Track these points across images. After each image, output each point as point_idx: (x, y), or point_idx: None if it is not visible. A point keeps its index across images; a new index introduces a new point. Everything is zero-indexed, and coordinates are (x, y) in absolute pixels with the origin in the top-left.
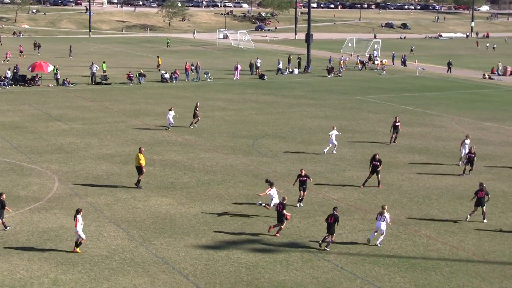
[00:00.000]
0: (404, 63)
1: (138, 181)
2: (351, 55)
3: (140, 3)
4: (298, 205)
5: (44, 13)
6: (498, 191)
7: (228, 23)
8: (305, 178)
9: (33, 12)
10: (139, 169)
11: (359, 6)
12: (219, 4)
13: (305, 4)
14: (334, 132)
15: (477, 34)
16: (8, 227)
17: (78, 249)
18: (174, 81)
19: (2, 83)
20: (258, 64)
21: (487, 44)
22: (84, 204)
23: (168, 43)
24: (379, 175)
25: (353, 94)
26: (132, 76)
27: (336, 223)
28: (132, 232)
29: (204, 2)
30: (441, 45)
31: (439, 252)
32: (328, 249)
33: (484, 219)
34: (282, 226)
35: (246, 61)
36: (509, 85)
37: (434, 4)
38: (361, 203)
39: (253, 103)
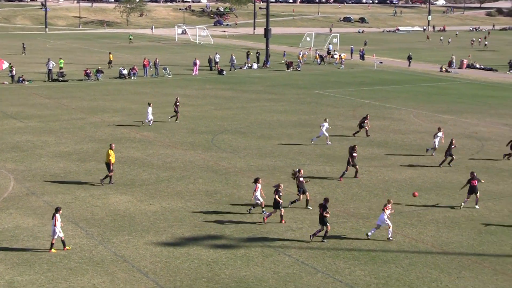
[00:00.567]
0: (362, 57)
1: (106, 176)
2: (310, 49)
3: None
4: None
5: None
6: (456, 183)
7: (187, 18)
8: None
9: None
10: (108, 166)
11: (317, 0)
12: None
13: None
14: (326, 125)
15: (433, 27)
16: None
17: (68, 247)
18: (132, 77)
19: None
20: (217, 60)
21: (441, 38)
22: (41, 203)
23: (130, 39)
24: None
25: (312, 88)
26: (90, 73)
27: (325, 213)
28: (90, 231)
29: None
30: (398, 38)
31: (399, 245)
32: (326, 241)
33: (476, 204)
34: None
35: (205, 57)
36: (465, 78)
37: None
38: (320, 197)
39: (212, 99)
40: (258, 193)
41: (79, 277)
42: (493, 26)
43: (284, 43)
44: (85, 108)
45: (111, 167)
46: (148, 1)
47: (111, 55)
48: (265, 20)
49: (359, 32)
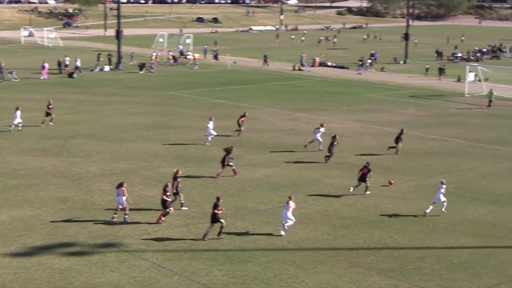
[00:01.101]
0: (216, 57)
1: None
2: (163, 50)
3: None
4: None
5: None
6: (310, 179)
7: (34, 20)
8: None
9: None
10: None
11: (169, 1)
12: (22, 0)
13: None
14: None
15: (286, 27)
16: None
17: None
18: None
19: None
20: (67, 62)
21: (292, 37)
22: None
23: None
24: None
25: (166, 90)
26: None
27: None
28: None
29: None
30: (251, 38)
31: (255, 243)
32: (221, 237)
33: (366, 191)
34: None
35: (54, 60)
36: (318, 76)
37: None
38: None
39: (63, 102)
40: (124, 198)
41: None
42: (344, 24)
43: (136, 45)
44: None
45: None
46: None
47: None
48: (117, 21)
49: (212, 32)
